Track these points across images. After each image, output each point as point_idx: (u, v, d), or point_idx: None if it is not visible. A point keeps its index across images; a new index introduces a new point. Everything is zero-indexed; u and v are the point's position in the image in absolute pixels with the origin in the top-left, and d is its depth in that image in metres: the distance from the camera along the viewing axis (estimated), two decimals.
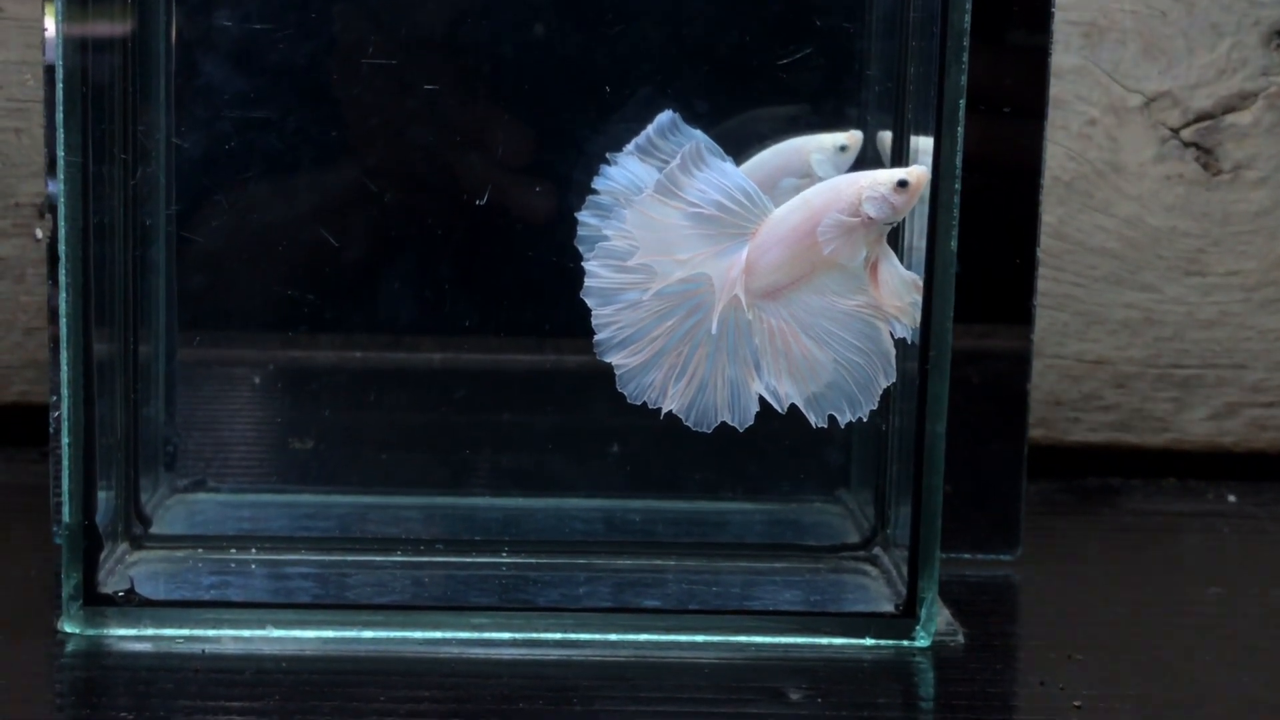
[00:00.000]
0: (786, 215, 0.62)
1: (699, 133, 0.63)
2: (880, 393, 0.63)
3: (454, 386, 0.76)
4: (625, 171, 0.63)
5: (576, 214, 0.64)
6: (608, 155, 0.64)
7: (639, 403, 0.64)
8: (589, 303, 0.63)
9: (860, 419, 0.64)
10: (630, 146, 0.64)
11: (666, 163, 0.62)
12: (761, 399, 0.64)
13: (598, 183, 0.64)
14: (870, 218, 0.61)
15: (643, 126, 0.64)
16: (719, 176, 0.61)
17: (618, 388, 0.64)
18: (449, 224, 0.73)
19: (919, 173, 0.62)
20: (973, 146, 0.65)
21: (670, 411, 0.64)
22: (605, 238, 0.63)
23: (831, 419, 0.64)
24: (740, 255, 0.62)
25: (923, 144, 0.65)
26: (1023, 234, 0.75)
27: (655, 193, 0.62)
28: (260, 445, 0.77)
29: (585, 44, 0.72)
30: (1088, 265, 0.86)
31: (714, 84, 0.71)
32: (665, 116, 0.64)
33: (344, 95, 0.72)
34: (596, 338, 0.63)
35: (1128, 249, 0.86)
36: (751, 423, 0.64)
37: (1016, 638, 0.69)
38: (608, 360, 0.64)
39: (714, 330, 0.62)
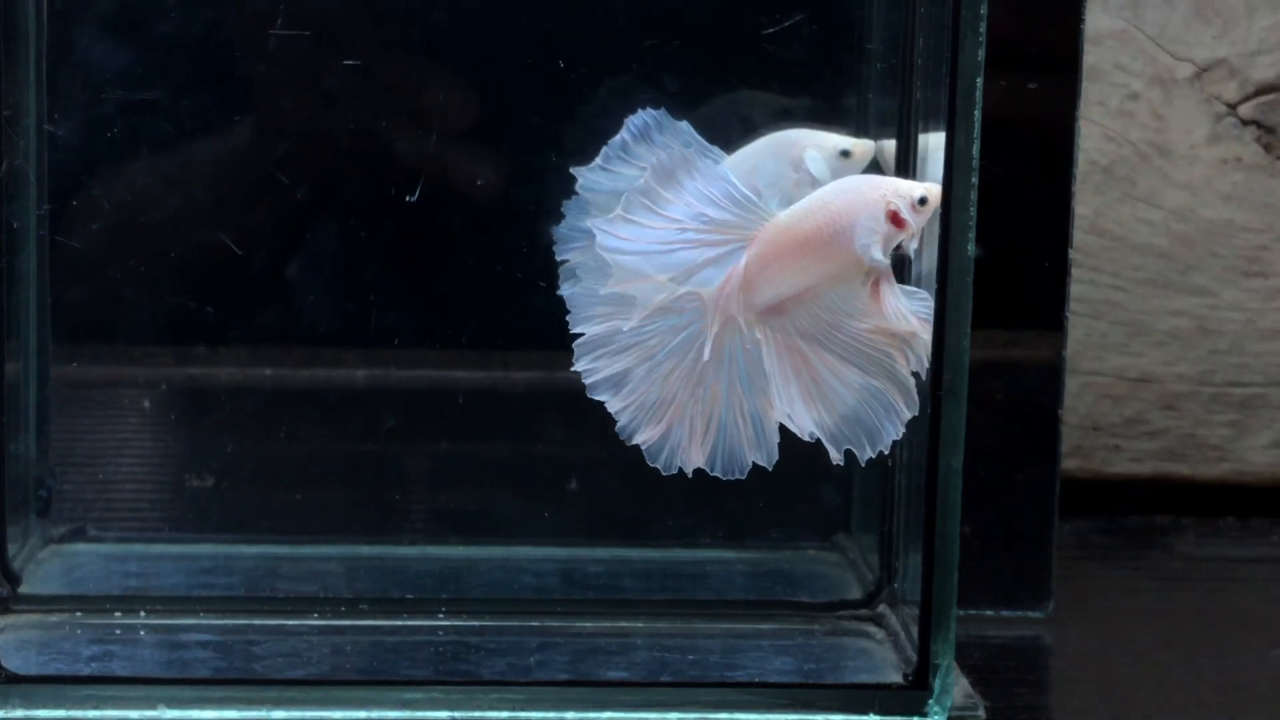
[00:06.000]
0: (800, 221, 0.62)
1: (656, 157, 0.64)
2: (903, 426, 0.63)
3: (382, 411, 0.76)
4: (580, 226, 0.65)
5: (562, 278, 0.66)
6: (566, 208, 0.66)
7: (674, 472, 0.64)
8: (600, 398, 0.64)
9: (882, 453, 0.64)
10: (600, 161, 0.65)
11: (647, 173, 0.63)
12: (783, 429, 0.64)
13: (561, 252, 0.66)
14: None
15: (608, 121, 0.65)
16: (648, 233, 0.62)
17: (649, 463, 0.64)
18: (375, 222, 0.73)
19: (937, 191, 0.62)
20: (993, 128, 0.65)
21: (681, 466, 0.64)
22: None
23: (849, 455, 0.64)
24: (735, 267, 0.62)
25: (932, 141, 0.65)
26: (1053, 229, 0.75)
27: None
28: (151, 485, 0.77)
29: (535, 9, 0.72)
30: (1130, 265, 0.86)
31: (688, 57, 0.71)
32: (636, 121, 0.64)
33: (248, 73, 0.72)
34: (618, 425, 0.64)
35: (1177, 246, 0.86)
36: (777, 457, 0.64)
37: (1048, 711, 0.69)
38: (636, 443, 0.64)
39: (706, 355, 0.62)
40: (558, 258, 0.67)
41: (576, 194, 0.66)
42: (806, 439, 0.64)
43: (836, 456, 0.64)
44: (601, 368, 0.64)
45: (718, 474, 0.64)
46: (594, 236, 0.63)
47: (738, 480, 0.75)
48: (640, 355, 0.64)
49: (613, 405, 0.64)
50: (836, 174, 0.67)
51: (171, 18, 0.71)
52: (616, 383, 0.64)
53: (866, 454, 0.64)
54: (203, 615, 0.71)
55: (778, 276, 0.62)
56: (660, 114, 0.64)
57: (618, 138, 0.64)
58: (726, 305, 0.62)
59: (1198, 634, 0.75)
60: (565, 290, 0.66)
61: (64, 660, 0.67)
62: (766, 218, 0.63)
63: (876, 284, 0.63)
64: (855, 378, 0.63)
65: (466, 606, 0.72)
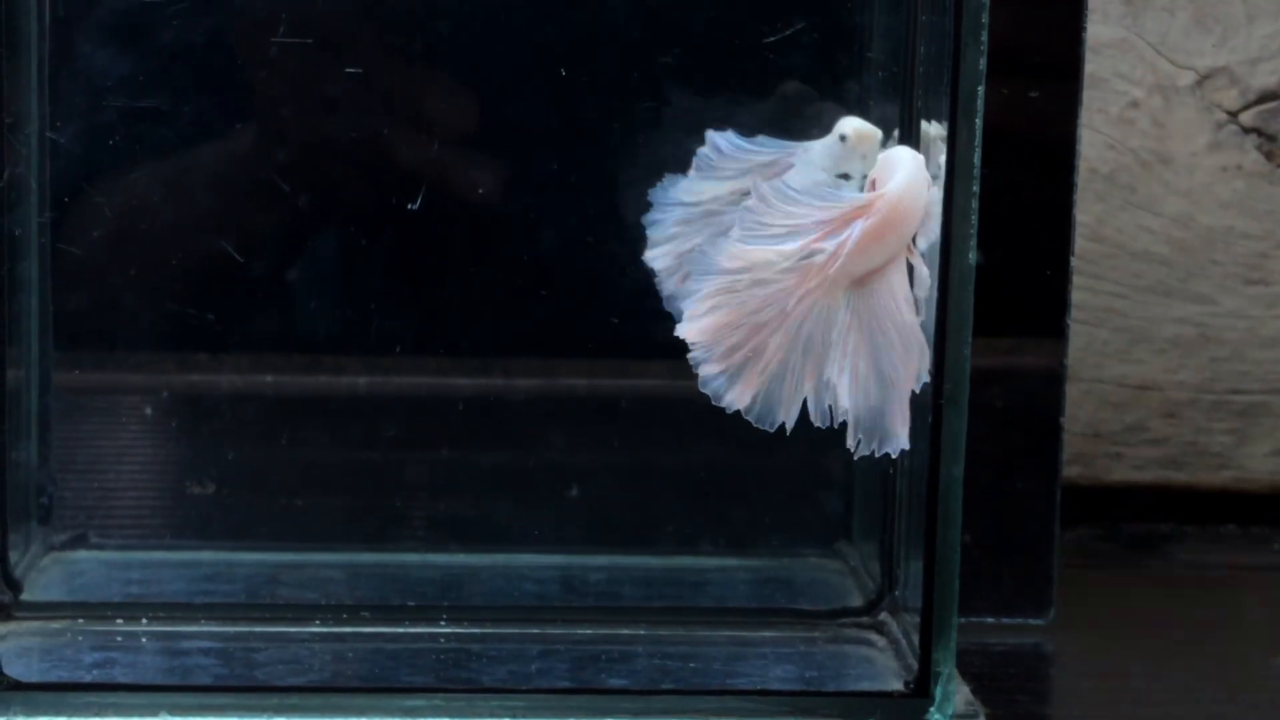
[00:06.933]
0: (917, 194, 0.63)
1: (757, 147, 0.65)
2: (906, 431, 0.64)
3: (383, 419, 0.76)
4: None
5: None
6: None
7: (717, 403, 0.64)
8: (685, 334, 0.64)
9: (888, 455, 0.64)
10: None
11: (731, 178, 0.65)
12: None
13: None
14: None
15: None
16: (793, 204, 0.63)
17: (700, 389, 0.63)
18: (375, 229, 0.73)
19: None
20: (994, 135, 0.65)
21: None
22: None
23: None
24: (849, 234, 0.63)
25: (933, 130, 0.65)
26: (1054, 237, 0.75)
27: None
28: (152, 492, 0.77)
29: (535, 17, 0.72)
30: (1131, 273, 0.86)
31: (688, 66, 0.71)
32: (718, 139, 0.66)
33: (250, 80, 0.72)
34: (691, 353, 0.64)
35: (1177, 253, 0.86)
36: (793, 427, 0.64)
37: (1049, 719, 0.69)
38: (699, 372, 0.64)
39: (790, 308, 0.63)
40: (650, 221, 0.67)
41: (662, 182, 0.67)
42: (825, 419, 0.63)
43: (853, 442, 0.64)
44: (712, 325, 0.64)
45: (750, 419, 0.64)
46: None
47: (741, 488, 0.75)
48: (739, 302, 0.64)
49: (695, 338, 0.64)
50: (833, 156, 0.67)
51: (173, 26, 0.71)
52: (710, 323, 0.64)
53: (869, 450, 0.64)
54: (204, 622, 0.71)
55: (882, 248, 0.63)
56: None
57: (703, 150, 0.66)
58: (832, 269, 0.63)
59: (1199, 641, 0.75)
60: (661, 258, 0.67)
61: (66, 667, 0.67)
62: (869, 196, 0.64)
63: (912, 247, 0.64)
64: (889, 372, 0.63)
65: (468, 614, 0.72)
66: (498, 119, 0.73)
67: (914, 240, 0.64)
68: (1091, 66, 0.81)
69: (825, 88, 0.71)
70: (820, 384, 0.64)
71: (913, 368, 0.63)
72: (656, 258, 0.67)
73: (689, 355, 0.63)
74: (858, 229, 0.63)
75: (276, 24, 0.71)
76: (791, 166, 0.66)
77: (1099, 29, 0.84)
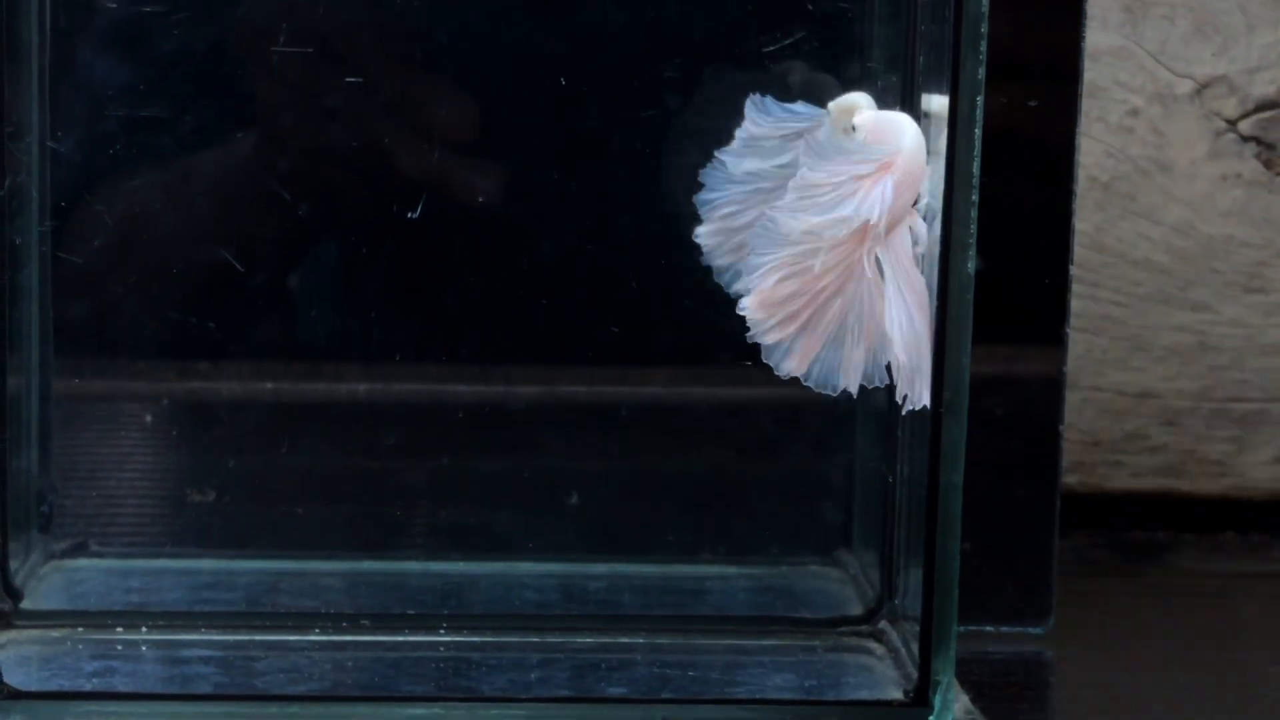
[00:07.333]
0: (916, 150, 0.64)
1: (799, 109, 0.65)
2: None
3: (383, 426, 0.76)
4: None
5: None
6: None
7: (773, 367, 0.64)
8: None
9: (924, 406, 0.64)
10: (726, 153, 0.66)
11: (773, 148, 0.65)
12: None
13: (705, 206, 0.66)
14: None
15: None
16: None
17: (764, 359, 0.63)
18: (375, 237, 0.73)
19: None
20: (993, 143, 0.65)
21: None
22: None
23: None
24: (884, 191, 0.63)
25: (935, 103, 0.65)
26: (1053, 245, 0.75)
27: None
28: (152, 500, 0.77)
29: (537, 26, 0.72)
30: (1130, 281, 0.86)
31: (689, 75, 0.71)
32: (758, 105, 0.66)
33: (250, 89, 0.72)
34: (751, 323, 0.64)
35: (1177, 262, 0.86)
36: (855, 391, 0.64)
37: None
38: (760, 341, 0.64)
39: (868, 273, 0.63)
40: (702, 201, 0.66)
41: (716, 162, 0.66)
42: (883, 379, 0.63)
43: (902, 395, 0.63)
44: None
45: (810, 385, 0.64)
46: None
47: (740, 496, 0.75)
48: (802, 270, 0.64)
49: (758, 312, 0.64)
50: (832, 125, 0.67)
51: (174, 35, 0.71)
52: (775, 295, 0.64)
53: (914, 405, 0.63)
54: (204, 631, 0.71)
55: (903, 204, 0.64)
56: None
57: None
58: (882, 226, 0.63)
59: (1198, 649, 0.75)
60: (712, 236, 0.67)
61: (66, 676, 0.67)
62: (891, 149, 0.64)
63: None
64: (922, 327, 0.64)
65: (467, 622, 0.72)
66: (497, 127, 0.73)
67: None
68: (1091, 74, 0.81)
69: (825, 95, 0.71)
70: (877, 342, 0.64)
71: (929, 322, 0.64)
72: (707, 234, 0.67)
73: (747, 327, 0.63)
74: (890, 184, 0.63)
75: (277, 33, 0.71)
76: None
77: (1098, 37, 0.84)
